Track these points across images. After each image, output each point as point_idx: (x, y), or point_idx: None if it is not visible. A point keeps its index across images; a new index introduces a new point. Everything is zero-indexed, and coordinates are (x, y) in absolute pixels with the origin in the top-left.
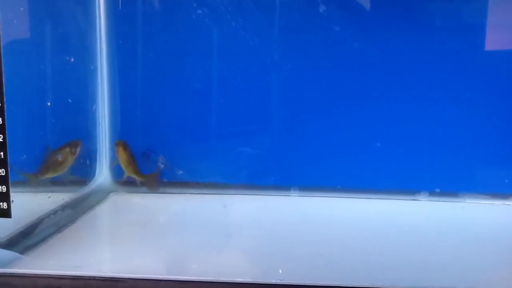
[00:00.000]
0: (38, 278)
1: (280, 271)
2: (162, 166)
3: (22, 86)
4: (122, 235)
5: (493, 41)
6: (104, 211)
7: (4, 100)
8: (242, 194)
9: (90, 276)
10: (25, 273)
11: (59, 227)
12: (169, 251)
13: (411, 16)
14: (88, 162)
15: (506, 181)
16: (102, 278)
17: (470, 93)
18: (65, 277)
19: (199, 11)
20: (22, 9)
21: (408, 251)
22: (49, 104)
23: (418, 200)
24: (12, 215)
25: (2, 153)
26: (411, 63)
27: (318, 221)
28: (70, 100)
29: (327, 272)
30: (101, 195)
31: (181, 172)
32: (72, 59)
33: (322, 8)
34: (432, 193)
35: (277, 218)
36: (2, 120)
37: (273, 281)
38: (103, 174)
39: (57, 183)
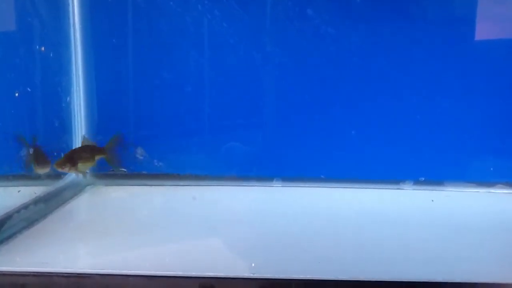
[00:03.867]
0: (1, 276)
1: (253, 264)
2: (141, 157)
3: None
4: (96, 230)
5: (479, 32)
6: (79, 205)
7: None
8: (223, 186)
9: (55, 273)
10: None
11: (30, 222)
12: (146, 247)
13: (399, 6)
14: (62, 155)
15: (491, 169)
16: (67, 274)
17: (455, 82)
18: (29, 273)
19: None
20: None
21: (392, 240)
22: (17, 94)
23: (403, 189)
24: None
25: None
26: (397, 52)
27: (302, 211)
28: (41, 92)
29: (310, 263)
30: (77, 189)
31: (161, 164)
32: (43, 49)
33: (314, 2)
34: (416, 182)
35: (260, 209)
36: None
37: (245, 275)
38: None
39: (30, 177)
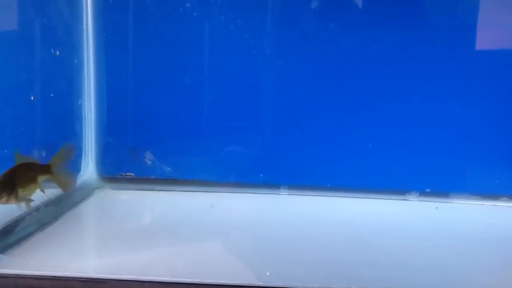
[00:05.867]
0: (17, 279)
1: (268, 273)
2: (149, 162)
3: (5, 80)
4: (106, 234)
5: (485, 40)
6: (88, 208)
7: None
8: (231, 192)
9: (71, 277)
10: (4, 274)
11: (42, 225)
12: (155, 251)
13: (407, 14)
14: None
15: (497, 182)
16: (83, 279)
17: (461, 93)
18: (45, 277)
19: (188, 4)
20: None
21: (397, 251)
22: (32, 98)
23: (408, 200)
24: None
25: None
26: (404, 63)
27: (308, 220)
28: (54, 95)
29: (316, 273)
30: (86, 192)
31: (169, 169)
32: (58, 52)
33: (315, 4)
34: (422, 193)
35: (266, 217)
36: None
37: (260, 283)
38: (88, 170)
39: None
